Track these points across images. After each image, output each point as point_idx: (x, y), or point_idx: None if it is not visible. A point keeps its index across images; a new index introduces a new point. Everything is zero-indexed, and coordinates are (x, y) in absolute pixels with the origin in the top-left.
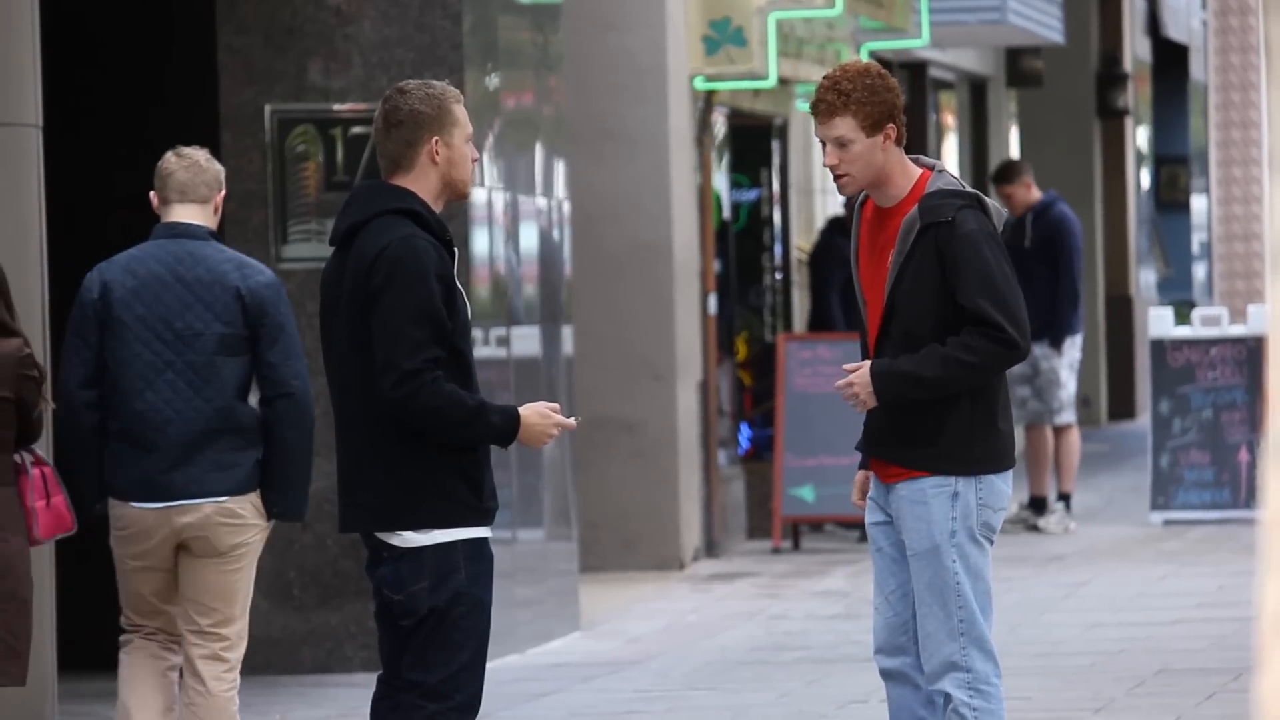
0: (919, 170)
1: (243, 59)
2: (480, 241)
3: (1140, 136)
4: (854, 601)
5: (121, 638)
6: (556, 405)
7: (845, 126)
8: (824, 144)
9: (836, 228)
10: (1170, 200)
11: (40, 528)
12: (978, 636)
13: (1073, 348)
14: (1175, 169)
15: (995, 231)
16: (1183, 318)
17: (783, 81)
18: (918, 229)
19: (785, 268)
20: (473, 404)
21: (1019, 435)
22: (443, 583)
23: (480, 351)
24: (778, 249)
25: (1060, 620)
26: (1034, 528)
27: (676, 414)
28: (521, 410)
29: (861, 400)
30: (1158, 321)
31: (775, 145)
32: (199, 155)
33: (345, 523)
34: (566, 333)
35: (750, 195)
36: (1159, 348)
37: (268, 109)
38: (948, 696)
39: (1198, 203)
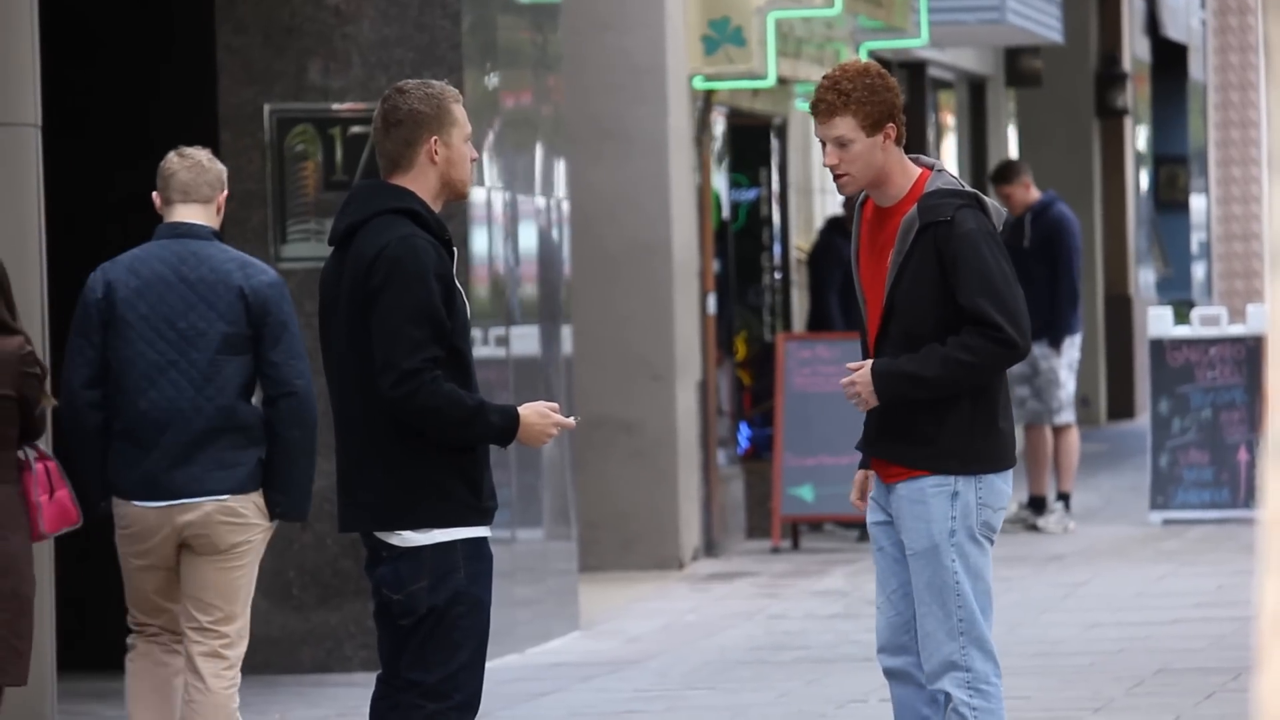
0: (918, 170)
1: (242, 58)
2: (479, 241)
3: (1139, 136)
4: (853, 601)
5: (128, 639)
6: (556, 405)
7: (845, 126)
8: (824, 144)
9: (835, 227)
10: (1169, 200)
11: (45, 522)
12: (977, 636)
13: (1072, 347)
14: (1174, 169)
15: (994, 231)
16: (1182, 317)
17: (782, 81)
18: (917, 228)
19: (784, 267)
20: (472, 403)
21: (1018, 435)
22: (442, 582)
23: (479, 351)
24: (777, 249)
25: (1059, 620)
26: (1033, 527)
27: (676, 414)
28: (521, 410)
29: (863, 399)
30: (1157, 321)
31: (774, 145)
32: (201, 155)
33: (345, 522)
34: (565, 332)
35: (749, 195)
36: (1158, 347)
37: (267, 108)
38: (948, 696)
39: (1197, 202)
